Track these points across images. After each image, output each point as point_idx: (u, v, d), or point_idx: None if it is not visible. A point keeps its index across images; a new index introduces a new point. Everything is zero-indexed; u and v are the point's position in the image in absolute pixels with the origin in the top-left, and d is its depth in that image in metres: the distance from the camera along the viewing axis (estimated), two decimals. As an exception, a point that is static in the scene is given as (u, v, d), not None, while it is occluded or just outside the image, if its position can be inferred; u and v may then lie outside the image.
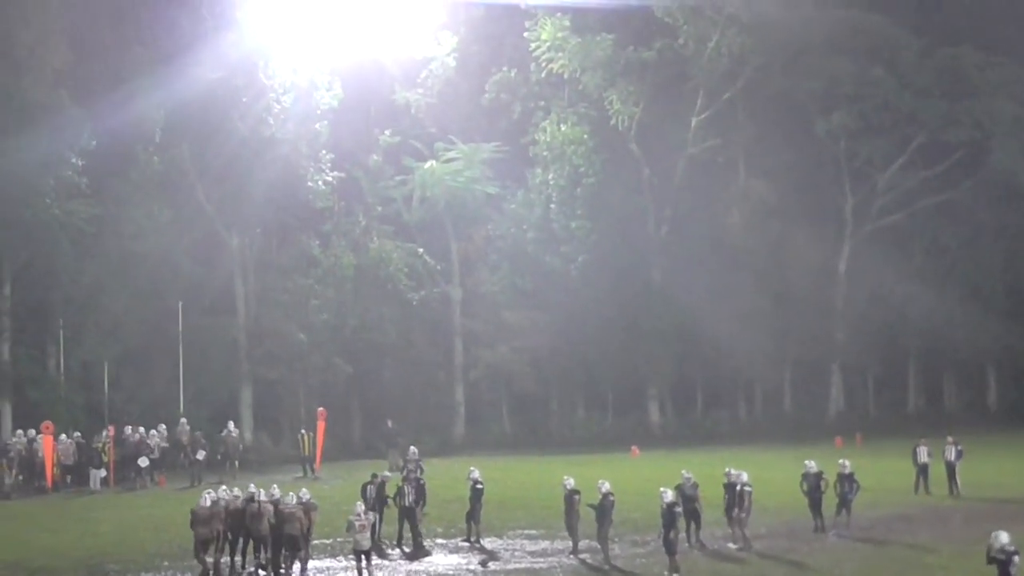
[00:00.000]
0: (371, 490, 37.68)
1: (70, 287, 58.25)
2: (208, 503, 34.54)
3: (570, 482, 36.49)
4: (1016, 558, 25.95)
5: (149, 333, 59.28)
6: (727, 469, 38.33)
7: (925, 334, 75.53)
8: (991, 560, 26.31)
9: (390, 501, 38.04)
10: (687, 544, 36.02)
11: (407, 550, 37.14)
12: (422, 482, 38.96)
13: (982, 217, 75.31)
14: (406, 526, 37.76)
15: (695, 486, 36.99)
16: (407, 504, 37.56)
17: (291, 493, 35.39)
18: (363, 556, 33.23)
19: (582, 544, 36.38)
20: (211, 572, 34.11)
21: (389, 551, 37.21)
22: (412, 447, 46.71)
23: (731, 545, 36.86)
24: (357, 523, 33.18)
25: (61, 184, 57.69)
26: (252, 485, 36.08)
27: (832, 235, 75.31)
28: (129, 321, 58.78)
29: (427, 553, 36.81)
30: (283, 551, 34.20)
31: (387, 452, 55.18)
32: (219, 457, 53.78)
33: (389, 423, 58.77)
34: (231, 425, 55.84)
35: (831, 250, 74.94)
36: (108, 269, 58.85)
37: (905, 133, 73.45)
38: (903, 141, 73.71)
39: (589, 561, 35.29)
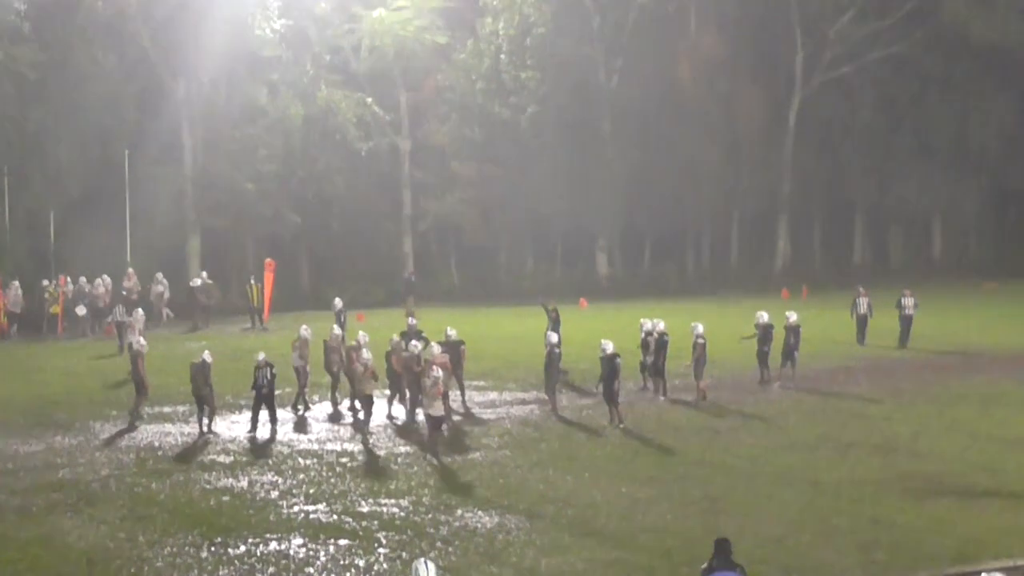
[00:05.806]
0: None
1: (14, 133, 57.53)
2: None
3: (552, 337, 36.49)
4: None
5: (95, 181, 59.04)
6: (641, 320, 38.97)
7: (872, 188, 75.86)
8: None
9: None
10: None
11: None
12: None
13: (931, 71, 75.10)
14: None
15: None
16: None
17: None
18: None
19: (529, 395, 36.64)
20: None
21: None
22: (337, 299, 47.48)
23: (662, 398, 37.26)
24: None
25: (3, 28, 56.73)
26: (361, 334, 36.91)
27: (782, 89, 75.08)
28: (75, 169, 58.47)
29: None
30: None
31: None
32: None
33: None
34: (204, 275, 56.72)
35: (780, 104, 74.77)
36: (53, 116, 58.20)
37: (857, -18, 73.03)
38: (855, -10, 73.31)
39: (536, 412, 35.59)
